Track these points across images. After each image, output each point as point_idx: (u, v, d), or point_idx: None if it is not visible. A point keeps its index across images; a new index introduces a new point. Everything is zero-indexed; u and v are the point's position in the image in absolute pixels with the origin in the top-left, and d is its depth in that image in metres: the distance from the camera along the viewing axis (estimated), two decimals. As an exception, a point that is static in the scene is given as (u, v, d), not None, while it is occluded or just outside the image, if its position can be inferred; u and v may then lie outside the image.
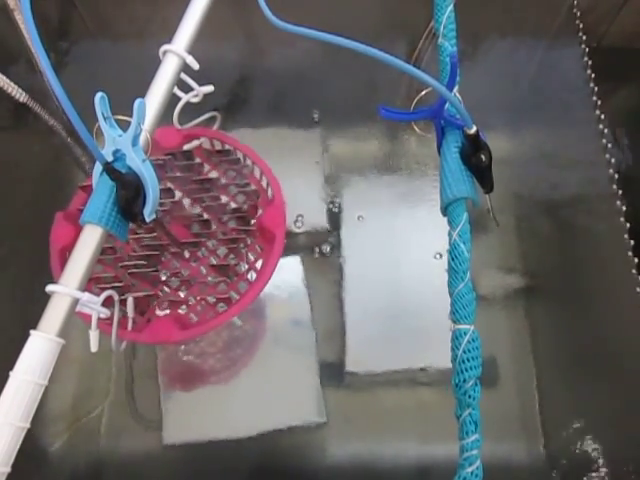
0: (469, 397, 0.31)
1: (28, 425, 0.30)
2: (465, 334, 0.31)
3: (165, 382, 0.59)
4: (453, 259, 0.34)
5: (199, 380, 0.60)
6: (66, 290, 0.32)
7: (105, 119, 0.33)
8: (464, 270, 0.33)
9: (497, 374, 0.60)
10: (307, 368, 0.60)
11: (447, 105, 0.39)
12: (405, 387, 0.60)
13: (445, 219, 0.39)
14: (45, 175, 0.65)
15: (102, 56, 0.70)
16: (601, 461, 0.53)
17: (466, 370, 0.31)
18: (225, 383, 0.60)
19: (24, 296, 0.57)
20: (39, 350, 0.31)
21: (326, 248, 0.64)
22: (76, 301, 0.33)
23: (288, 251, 0.64)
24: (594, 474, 0.52)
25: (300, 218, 0.65)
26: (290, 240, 0.64)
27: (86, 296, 0.33)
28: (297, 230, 0.65)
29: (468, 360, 0.31)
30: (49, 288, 0.32)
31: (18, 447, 0.29)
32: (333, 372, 0.60)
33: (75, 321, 0.35)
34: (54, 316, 0.32)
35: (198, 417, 0.58)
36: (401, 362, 0.60)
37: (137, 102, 0.32)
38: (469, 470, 0.29)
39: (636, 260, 0.50)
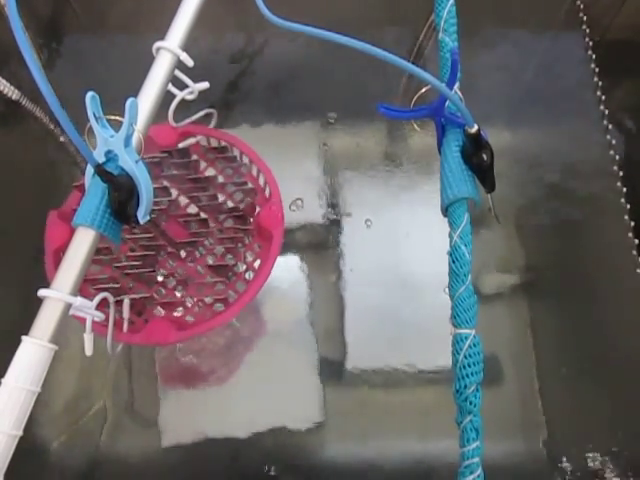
0: (470, 403, 0.30)
1: (21, 433, 0.29)
2: (466, 339, 0.31)
3: (163, 381, 0.59)
4: (454, 261, 0.33)
5: (197, 379, 0.59)
6: (58, 295, 0.31)
7: (97, 119, 0.32)
8: (465, 273, 0.32)
9: (498, 373, 0.59)
10: (306, 367, 0.59)
11: (448, 102, 0.38)
12: (405, 386, 0.59)
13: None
14: (39, 173, 0.64)
15: (96, 53, 0.69)
16: (605, 463, 0.52)
17: (467, 376, 0.30)
18: (223, 382, 0.59)
19: (20, 298, 0.56)
20: (31, 356, 0.30)
21: (325, 245, 0.63)
22: (69, 306, 0.32)
23: (287, 249, 0.63)
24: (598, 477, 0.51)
25: (298, 216, 0.65)
26: (289, 238, 0.63)
27: (79, 301, 0.33)
28: (296, 227, 0.64)
29: (469, 365, 0.30)
30: (41, 293, 0.32)
31: (10, 456, 0.29)
32: (333, 371, 0.59)
33: (73, 320, 0.35)
34: (46, 321, 0.31)
35: (197, 417, 0.58)
36: (401, 361, 0.60)
37: (129, 101, 0.32)
38: (470, 478, 0.28)
39: (640, 259, 0.49)
